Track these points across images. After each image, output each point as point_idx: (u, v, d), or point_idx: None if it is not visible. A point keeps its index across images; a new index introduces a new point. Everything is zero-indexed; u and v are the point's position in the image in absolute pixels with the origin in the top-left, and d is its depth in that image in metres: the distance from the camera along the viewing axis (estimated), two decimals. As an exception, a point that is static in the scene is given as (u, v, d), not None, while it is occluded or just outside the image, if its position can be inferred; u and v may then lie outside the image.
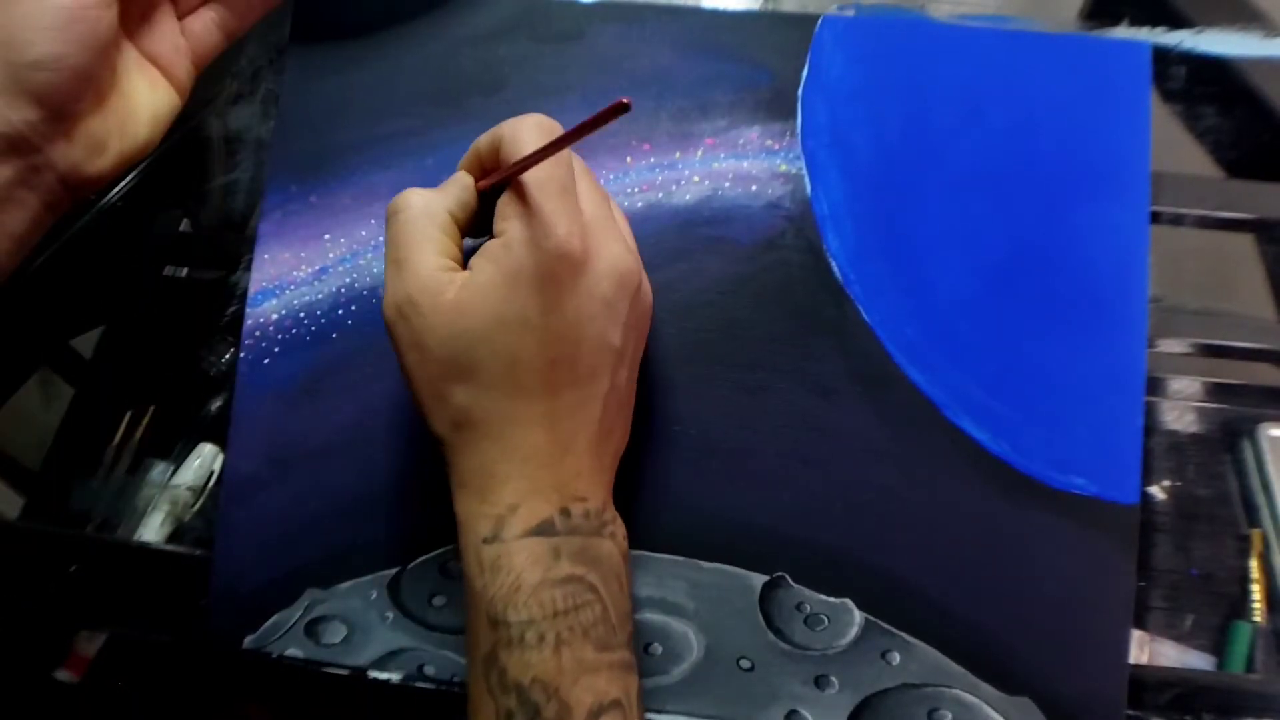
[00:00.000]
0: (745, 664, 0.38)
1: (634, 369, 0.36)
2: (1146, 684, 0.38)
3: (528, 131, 0.33)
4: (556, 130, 0.34)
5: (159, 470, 0.47)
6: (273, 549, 0.41)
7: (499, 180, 0.34)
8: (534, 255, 0.32)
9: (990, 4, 0.46)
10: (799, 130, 0.42)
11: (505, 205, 0.33)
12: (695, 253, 0.41)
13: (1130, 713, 0.37)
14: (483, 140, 0.35)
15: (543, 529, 0.32)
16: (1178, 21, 0.45)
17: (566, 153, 0.34)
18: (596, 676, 0.31)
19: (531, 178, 0.33)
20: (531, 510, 0.32)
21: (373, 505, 0.41)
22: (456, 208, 0.35)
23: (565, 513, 0.32)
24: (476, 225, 0.36)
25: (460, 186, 0.36)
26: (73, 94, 0.34)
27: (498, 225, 0.34)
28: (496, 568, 0.32)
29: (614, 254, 0.34)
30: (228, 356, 0.49)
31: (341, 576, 0.40)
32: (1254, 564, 0.42)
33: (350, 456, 0.41)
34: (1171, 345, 0.45)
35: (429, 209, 0.35)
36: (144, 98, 0.37)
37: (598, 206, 0.34)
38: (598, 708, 0.30)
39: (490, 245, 0.33)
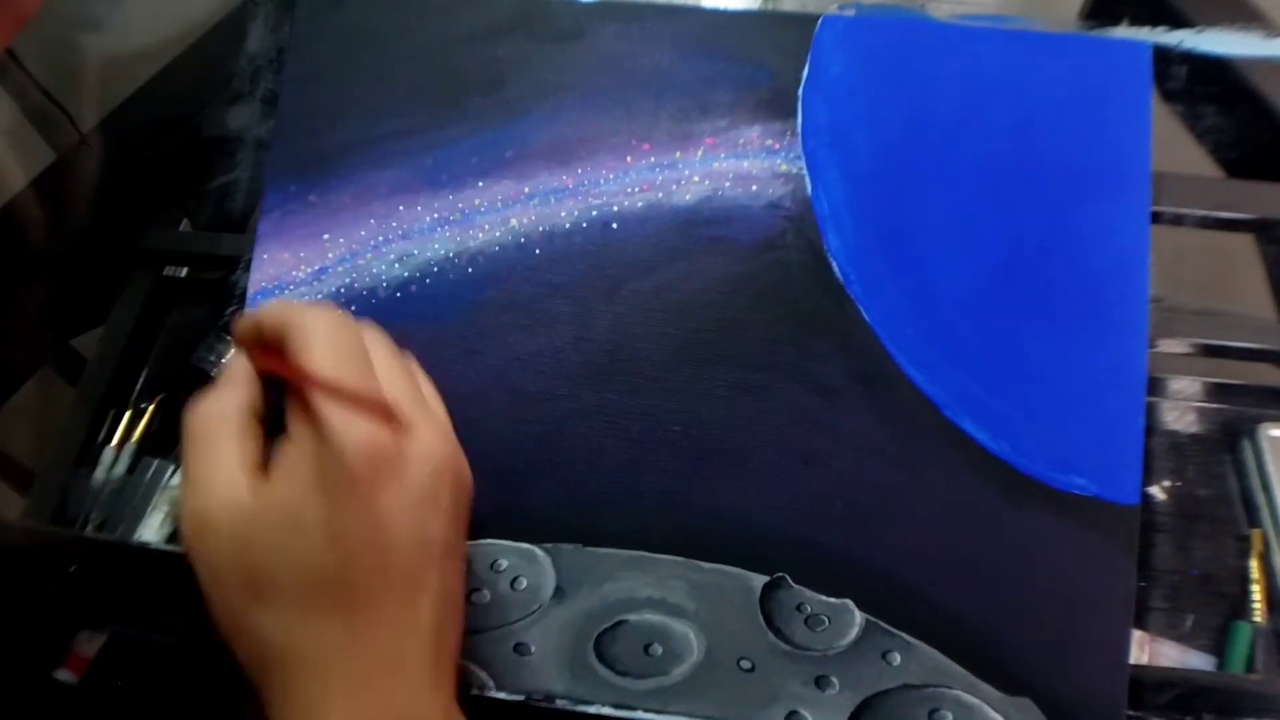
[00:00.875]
0: (746, 664, 0.38)
1: (462, 560, 0.33)
2: (1146, 684, 0.38)
3: (321, 337, 0.30)
4: (351, 329, 0.31)
5: (159, 470, 0.47)
6: (273, 549, 0.41)
7: (283, 377, 0.31)
8: (334, 458, 0.29)
9: (990, 4, 0.46)
10: (799, 130, 0.42)
11: (298, 408, 0.30)
12: (695, 253, 0.41)
13: (1130, 713, 0.37)
14: (268, 317, 0.32)
15: None
16: (1178, 21, 0.45)
17: (357, 338, 0.31)
18: None
19: (325, 373, 0.29)
20: None
21: (373, 505, 0.41)
22: (255, 399, 0.32)
23: None
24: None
25: (250, 379, 0.33)
26: None
27: (293, 427, 0.30)
28: None
29: (428, 441, 0.31)
30: (228, 356, 0.48)
31: (341, 576, 0.40)
32: (1254, 564, 0.42)
33: (350, 456, 0.41)
34: (1171, 345, 0.45)
35: (223, 413, 0.32)
36: None
37: (405, 388, 0.32)
38: None
39: (287, 451, 0.30)
